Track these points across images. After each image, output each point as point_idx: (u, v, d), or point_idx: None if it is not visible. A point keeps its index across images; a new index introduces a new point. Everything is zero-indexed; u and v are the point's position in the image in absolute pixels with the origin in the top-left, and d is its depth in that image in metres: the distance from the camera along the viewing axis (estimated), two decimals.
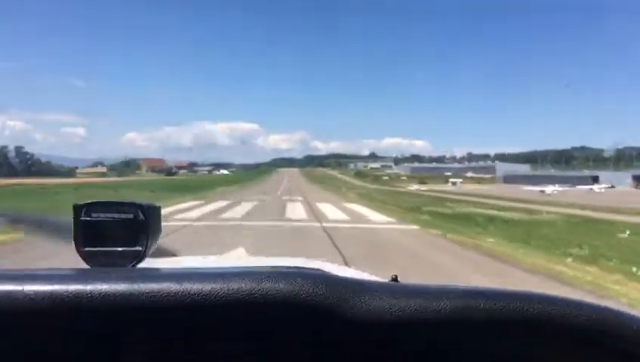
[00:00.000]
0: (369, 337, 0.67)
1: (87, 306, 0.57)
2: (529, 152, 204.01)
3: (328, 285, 0.63)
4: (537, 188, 49.25)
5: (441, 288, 0.64)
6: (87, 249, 0.72)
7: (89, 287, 0.58)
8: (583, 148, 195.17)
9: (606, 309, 0.61)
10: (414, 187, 50.83)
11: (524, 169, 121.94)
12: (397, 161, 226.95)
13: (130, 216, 0.73)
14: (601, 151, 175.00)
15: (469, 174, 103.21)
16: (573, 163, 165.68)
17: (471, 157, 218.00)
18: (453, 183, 61.71)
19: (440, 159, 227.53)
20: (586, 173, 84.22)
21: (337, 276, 0.68)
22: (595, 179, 72.93)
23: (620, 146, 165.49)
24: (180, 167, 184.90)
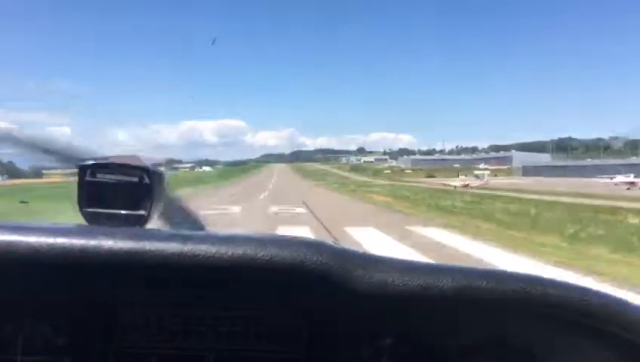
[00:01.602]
0: (371, 308, 0.67)
1: (91, 261, 0.57)
2: (522, 143, 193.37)
3: (333, 255, 0.62)
4: (607, 179, 37.81)
5: (444, 266, 0.68)
6: (90, 210, 0.72)
7: (92, 242, 0.58)
8: (570, 138, 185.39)
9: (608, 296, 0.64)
10: (456, 183, 38.19)
11: (544, 159, 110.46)
12: (390, 154, 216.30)
13: (135, 179, 0.73)
14: (587, 141, 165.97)
15: (482, 166, 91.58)
16: (573, 152, 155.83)
17: (460, 150, 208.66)
18: (477, 176, 49.33)
19: (430, 152, 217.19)
20: (635, 160, 72.32)
21: (342, 248, 0.67)
22: None
23: (608, 136, 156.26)
24: (156, 165, 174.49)
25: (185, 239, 0.60)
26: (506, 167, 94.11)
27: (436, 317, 0.72)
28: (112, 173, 0.72)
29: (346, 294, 0.62)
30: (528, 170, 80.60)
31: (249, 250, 0.59)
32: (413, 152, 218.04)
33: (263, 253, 0.59)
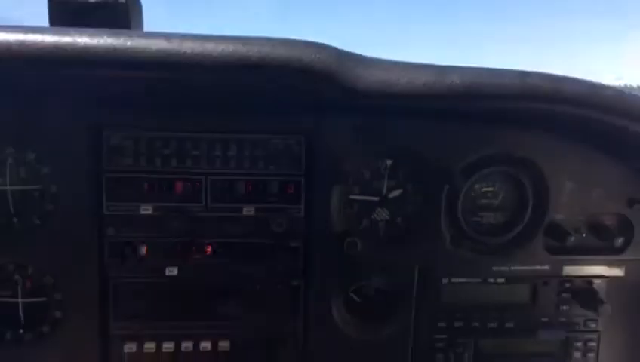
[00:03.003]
0: (372, 106, 0.64)
1: (67, 58, 0.50)
2: None
3: (333, 53, 0.56)
4: None
5: (449, 66, 0.62)
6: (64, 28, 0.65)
7: (66, 39, 0.50)
8: None
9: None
10: None
11: None
12: None
13: None
14: None
15: None
16: None
17: None
18: None
19: None
20: None
21: (343, 49, 0.60)
22: None
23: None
24: None
25: (169, 36, 0.51)
26: None
27: (437, 133, 0.69)
28: None
29: (346, 95, 0.56)
30: None
31: (240, 48, 0.50)
32: None
33: (255, 50, 0.50)
